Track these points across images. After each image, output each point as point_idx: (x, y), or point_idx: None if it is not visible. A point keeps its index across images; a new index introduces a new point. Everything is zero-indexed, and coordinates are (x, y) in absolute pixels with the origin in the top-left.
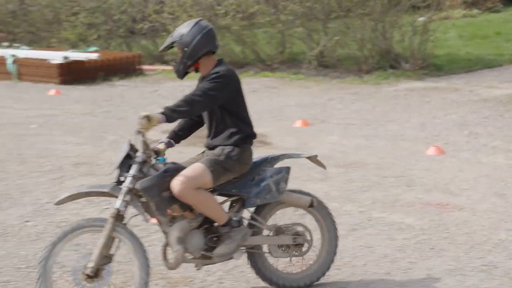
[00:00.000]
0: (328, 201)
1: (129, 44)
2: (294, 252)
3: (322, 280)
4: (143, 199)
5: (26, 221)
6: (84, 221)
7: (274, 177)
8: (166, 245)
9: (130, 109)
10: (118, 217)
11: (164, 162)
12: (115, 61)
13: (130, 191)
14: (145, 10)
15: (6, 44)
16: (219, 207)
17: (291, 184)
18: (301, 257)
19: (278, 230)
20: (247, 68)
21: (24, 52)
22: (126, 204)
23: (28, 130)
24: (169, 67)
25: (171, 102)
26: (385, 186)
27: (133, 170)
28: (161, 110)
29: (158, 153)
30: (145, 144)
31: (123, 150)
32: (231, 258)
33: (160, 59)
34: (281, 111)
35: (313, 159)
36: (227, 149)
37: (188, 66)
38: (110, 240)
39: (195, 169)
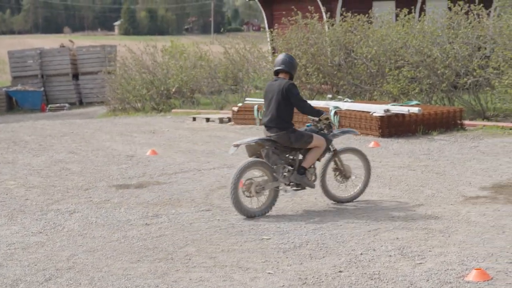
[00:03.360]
0: None
1: (451, 99)
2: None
3: None
4: None
5: (340, 271)
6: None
7: None
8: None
9: (449, 164)
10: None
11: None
12: (436, 116)
13: None
14: (470, 64)
15: (329, 96)
16: None
17: None
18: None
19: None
20: None
21: (347, 104)
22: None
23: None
24: (491, 123)
25: (490, 158)
26: None
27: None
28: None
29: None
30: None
31: None
32: None
33: (482, 115)
34: None
35: None
36: None
37: None
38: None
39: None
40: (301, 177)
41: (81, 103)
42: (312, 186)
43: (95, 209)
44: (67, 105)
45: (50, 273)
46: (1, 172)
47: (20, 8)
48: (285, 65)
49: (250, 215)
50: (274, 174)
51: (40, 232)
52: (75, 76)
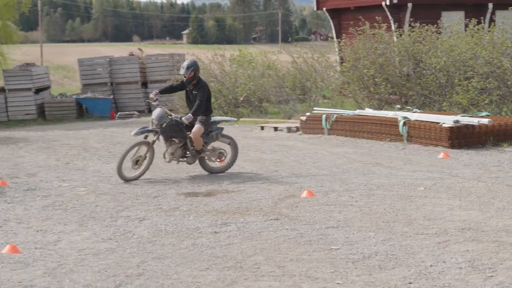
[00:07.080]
0: None
1: None
2: (217, 159)
3: None
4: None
5: (409, 283)
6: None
7: (215, 131)
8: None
9: None
10: (153, 143)
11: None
12: (507, 127)
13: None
14: None
15: (398, 106)
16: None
17: None
18: (222, 161)
19: (213, 151)
20: None
21: (416, 115)
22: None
23: (416, 192)
24: None
25: None
26: None
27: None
28: (189, 113)
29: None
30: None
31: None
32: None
33: None
34: None
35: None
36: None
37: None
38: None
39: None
40: None
41: (150, 111)
42: None
43: (164, 217)
44: (136, 113)
45: (120, 279)
46: (72, 179)
47: (89, 16)
48: None
49: None
50: None
51: (110, 239)
52: (144, 84)
